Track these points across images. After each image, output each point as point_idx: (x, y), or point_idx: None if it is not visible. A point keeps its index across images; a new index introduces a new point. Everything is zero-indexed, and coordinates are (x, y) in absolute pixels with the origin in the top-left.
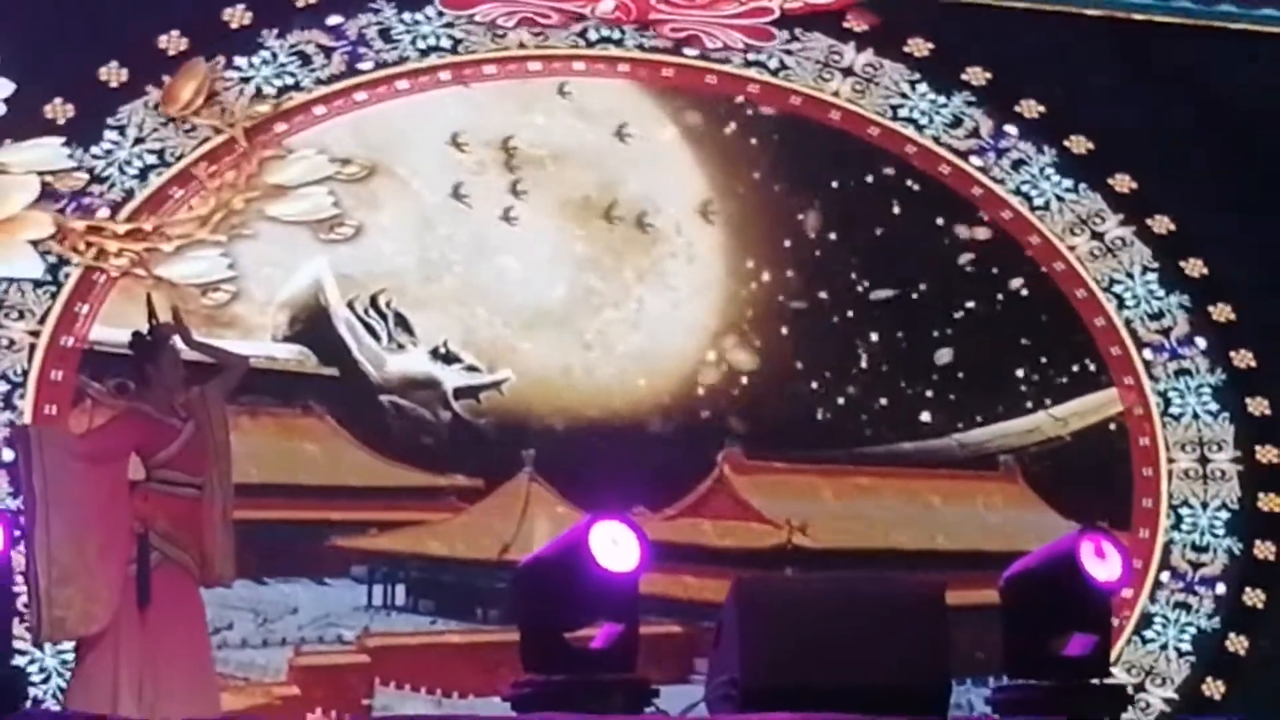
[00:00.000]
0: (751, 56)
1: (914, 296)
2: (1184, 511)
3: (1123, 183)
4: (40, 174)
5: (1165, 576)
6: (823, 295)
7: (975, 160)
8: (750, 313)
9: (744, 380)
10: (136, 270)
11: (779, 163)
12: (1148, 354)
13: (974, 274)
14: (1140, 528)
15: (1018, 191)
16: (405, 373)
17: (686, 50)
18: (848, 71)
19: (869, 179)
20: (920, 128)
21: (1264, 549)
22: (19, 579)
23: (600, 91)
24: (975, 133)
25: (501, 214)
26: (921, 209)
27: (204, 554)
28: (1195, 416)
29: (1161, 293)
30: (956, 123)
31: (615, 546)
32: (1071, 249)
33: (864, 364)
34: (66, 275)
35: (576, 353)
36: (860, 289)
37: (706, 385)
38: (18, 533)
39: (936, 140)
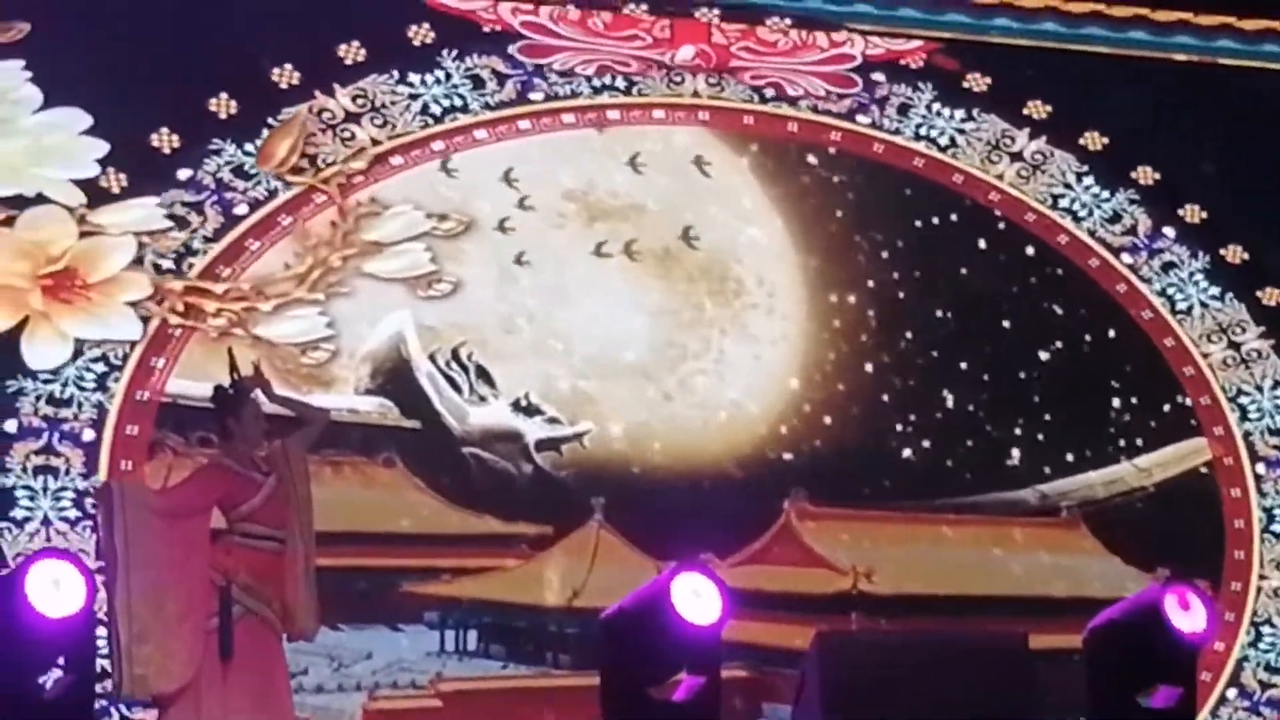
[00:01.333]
0: (923, 130)
1: (1001, 336)
2: (1265, 630)
3: (1272, 295)
4: (137, 234)
5: (1232, 694)
6: (908, 335)
7: (1126, 258)
8: (832, 355)
9: (827, 424)
10: (235, 330)
11: (860, 204)
12: (1260, 469)
13: (1062, 316)
14: (1218, 640)
15: (1162, 293)
16: (487, 425)
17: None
18: (1016, 156)
19: (953, 217)
20: (1078, 219)
21: None
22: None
23: (682, 141)
24: (1132, 230)
25: (582, 265)
26: (1008, 244)
27: (286, 607)
28: None
29: None
30: (1115, 218)
31: (697, 599)
32: (1205, 356)
33: (950, 405)
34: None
35: (658, 404)
36: (945, 329)
37: (788, 433)
38: (99, 590)
39: (1091, 234)
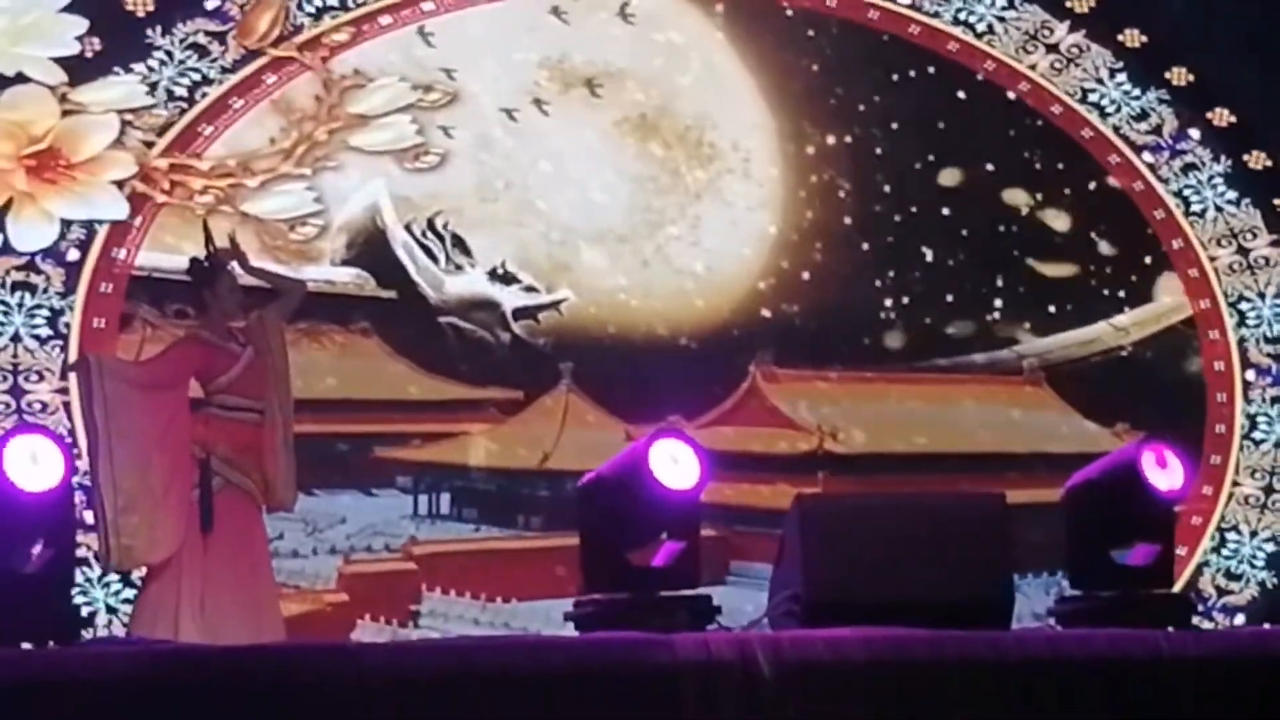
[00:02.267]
0: (962, 15)
1: (981, 189)
2: (1231, 536)
3: None
4: (120, 112)
5: None
6: (885, 189)
7: (1147, 156)
8: (810, 214)
9: (805, 282)
10: (223, 207)
11: (834, 57)
12: (1250, 375)
13: (1042, 168)
14: (1181, 544)
15: (1179, 194)
16: (464, 294)
17: None
18: (1052, 48)
19: (930, 69)
20: (1104, 114)
21: None
22: (80, 511)
23: (659, 9)
24: (1157, 130)
25: (559, 133)
26: (987, 95)
27: (266, 478)
28: (1277, 445)
29: None
30: (1142, 116)
31: (675, 465)
32: (1213, 260)
33: (930, 260)
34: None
35: (635, 270)
36: (924, 181)
37: (766, 293)
38: (79, 463)
39: (1116, 130)
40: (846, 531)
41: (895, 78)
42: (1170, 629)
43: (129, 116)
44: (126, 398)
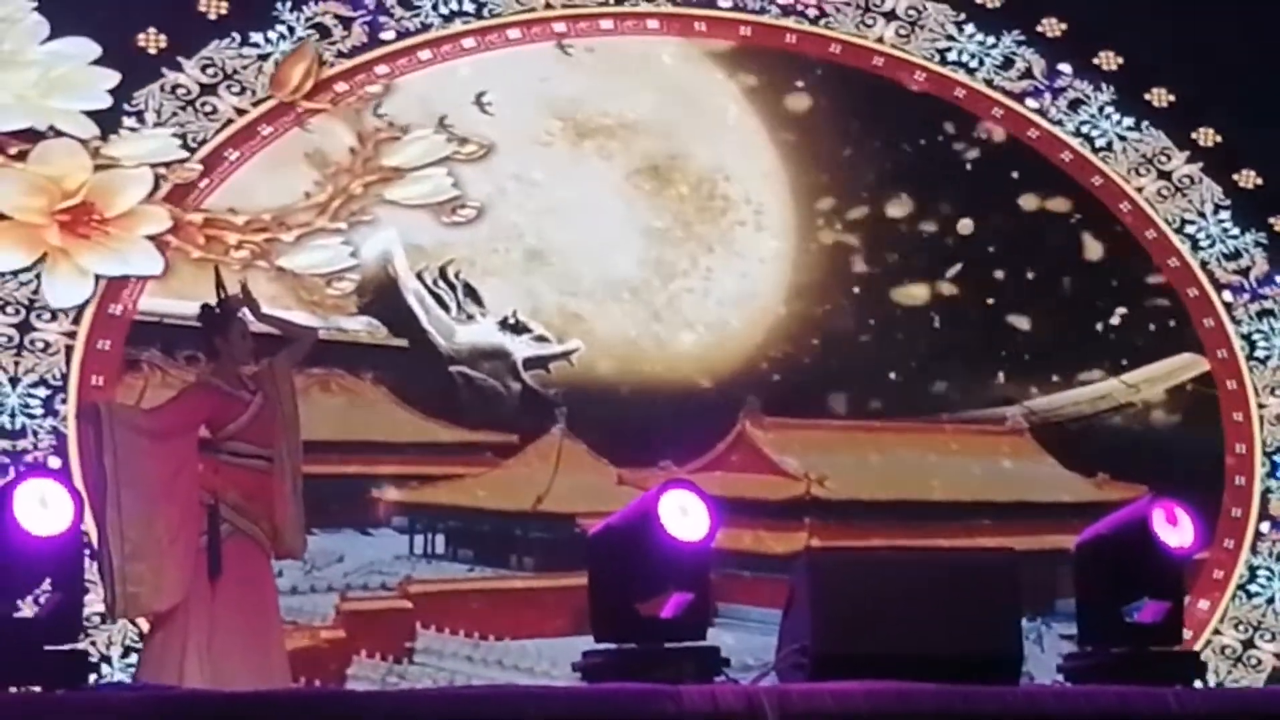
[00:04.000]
0: (1085, 129)
1: (988, 254)
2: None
3: None
4: (153, 166)
5: None
6: (895, 255)
7: (1227, 295)
8: (820, 271)
9: (814, 343)
10: (259, 263)
11: (850, 122)
12: (1265, 526)
13: (1052, 234)
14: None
15: (1247, 337)
16: (475, 343)
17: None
18: (1164, 174)
19: (940, 137)
20: (1197, 248)
21: None
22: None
23: (670, 59)
24: (1245, 271)
25: (571, 183)
26: (998, 163)
27: (275, 526)
28: (1269, 602)
29: None
30: (1234, 255)
31: (685, 516)
32: (1262, 407)
33: (937, 325)
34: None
35: (646, 322)
36: (933, 249)
37: (773, 349)
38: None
39: (1203, 265)
40: (856, 585)
41: (907, 142)
42: (1179, 686)
43: (162, 170)
44: (136, 445)
